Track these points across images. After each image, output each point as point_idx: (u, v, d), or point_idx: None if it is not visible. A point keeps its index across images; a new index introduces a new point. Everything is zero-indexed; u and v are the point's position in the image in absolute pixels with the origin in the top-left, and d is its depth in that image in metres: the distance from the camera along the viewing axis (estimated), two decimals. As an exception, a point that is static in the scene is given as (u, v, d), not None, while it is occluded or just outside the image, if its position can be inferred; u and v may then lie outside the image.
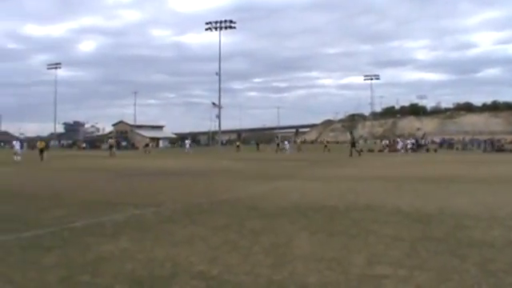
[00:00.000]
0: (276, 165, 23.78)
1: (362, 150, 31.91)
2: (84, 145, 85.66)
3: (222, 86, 76.14)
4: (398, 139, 53.45)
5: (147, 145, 61.15)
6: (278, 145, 53.35)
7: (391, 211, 8.11)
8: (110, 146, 42.62)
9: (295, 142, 58.20)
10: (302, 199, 9.77)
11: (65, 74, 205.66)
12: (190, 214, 7.99)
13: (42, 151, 33.31)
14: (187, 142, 58.69)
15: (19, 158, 30.42)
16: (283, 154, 42.09)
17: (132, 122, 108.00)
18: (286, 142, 53.09)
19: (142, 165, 24.78)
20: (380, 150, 45.11)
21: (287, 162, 26.07)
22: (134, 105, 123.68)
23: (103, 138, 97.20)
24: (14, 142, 34.23)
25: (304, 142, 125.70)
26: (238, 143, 64.30)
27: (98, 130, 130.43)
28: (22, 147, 35.49)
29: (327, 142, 57.29)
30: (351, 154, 31.60)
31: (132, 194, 10.81)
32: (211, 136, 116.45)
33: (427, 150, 46.00)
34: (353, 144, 33.80)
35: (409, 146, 44.75)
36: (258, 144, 61.63)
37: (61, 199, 9.92)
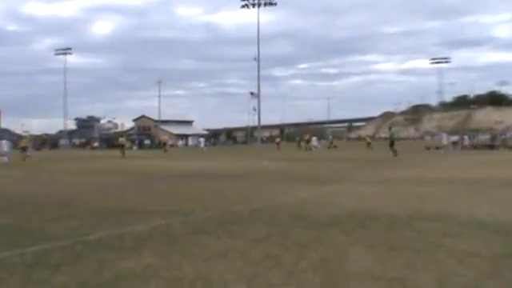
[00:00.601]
0: (323, 165, 23.65)
1: (395, 150, 31.99)
2: (96, 143, 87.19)
3: (261, 73, 76.71)
4: (444, 134, 52.05)
5: (164, 143, 59.29)
6: (304, 142, 52.98)
7: (465, 221, 7.90)
8: (121, 145, 43.67)
9: (367, 139, 57.86)
10: (357, 206, 9.67)
11: (76, 61, 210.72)
12: (224, 223, 8.01)
13: (24, 149, 34.04)
14: (201, 140, 59.53)
15: (5, 159, 31.22)
16: (311, 151, 42.10)
17: (156, 117, 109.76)
18: (313, 138, 53.73)
19: (166, 166, 25.13)
20: (437, 148, 44.01)
21: (336, 163, 25.89)
22: (159, 96, 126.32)
23: (122, 135, 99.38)
24: (3, 142, 34.46)
25: (359, 138, 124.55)
26: (277, 140, 64.07)
27: (116, 126, 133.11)
28: (10, 147, 35.82)
29: (370, 137, 57.02)
30: (395, 154, 31.65)
31: (156, 201, 10.95)
32: (249, 132, 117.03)
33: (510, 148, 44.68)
34: (391, 143, 33.70)
35: (466, 143, 43.71)
36: (299, 141, 59.03)
37: (71, 207, 10.11)
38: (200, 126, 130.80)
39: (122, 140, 47.18)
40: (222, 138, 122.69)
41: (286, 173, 19.19)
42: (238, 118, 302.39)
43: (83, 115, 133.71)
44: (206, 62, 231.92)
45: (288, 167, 22.81)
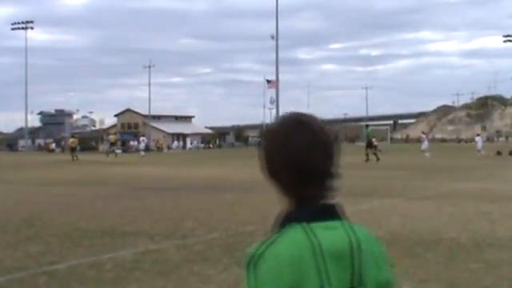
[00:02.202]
0: (361, 175, 23.52)
1: (375, 155, 34.98)
2: (53, 145, 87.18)
3: (281, 55, 76.67)
4: (479, 135, 51.91)
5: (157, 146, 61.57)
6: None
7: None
8: (72, 148, 45.38)
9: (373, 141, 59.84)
10: (405, 227, 9.62)
11: (41, 38, 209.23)
12: (232, 248, 8.01)
13: None
14: (189, 140, 60.70)
15: None
16: None
17: (145, 111, 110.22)
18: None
19: (159, 175, 25.18)
20: (497, 153, 43.49)
21: (378, 172, 25.76)
22: (149, 85, 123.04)
23: (101, 134, 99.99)
24: None
25: (407, 139, 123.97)
26: (374, 140, 63.99)
27: (93, 122, 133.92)
28: None
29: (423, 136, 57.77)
30: (367, 159, 34.81)
31: (145, 219, 10.96)
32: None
33: None
34: (368, 143, 36.29)
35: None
36: None
37: (34, 228, 10.11)
38: (202, 122, 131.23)
39: (72, 141, 48.76)
40: (230, 138, 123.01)
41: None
42: (251, 112, 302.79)
43: (50, 109, 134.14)
44: (210, 40, 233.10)
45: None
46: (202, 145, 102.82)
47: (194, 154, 61.50)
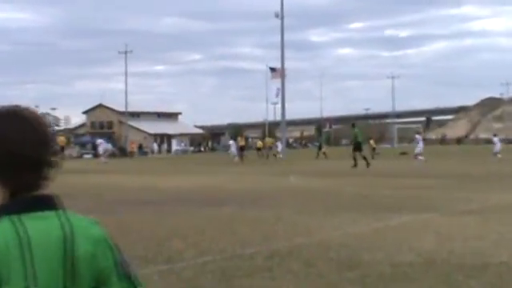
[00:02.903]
0: (388, 184, 23.53)
1: (365, 159, 36.32)
2: None
3: (288, 37, 76.51)
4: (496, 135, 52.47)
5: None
6: (319, 147, 60.19)
7: None
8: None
9: (371, 143, 61.80)
10: (442, 249, 9.62)
11: None
12: (228, 275, 8.02)
13: None
14: (175, 142, 61.49)
15: None
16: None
17: (121, 107, 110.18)
18: (277, 144, 63.90)
19: (139, 185, 25.20)
20: None
21: (408, 180, 25.78)
22: (125, 75, 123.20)
23: (67, 136, 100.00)
24: None
25: (443, 140, 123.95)
26: (320, 145, 64.26)
27: (57, 120, 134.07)
28: None
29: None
30: (355, 164, 36.60)
31: (121, 239, 10.93)
32: (268, 131, 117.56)
33: None
34: (356, 146, 38.20)
35: None
36: (319, 147, 62.17)
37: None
38: (191, 121, 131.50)
39: (61, 140, 49.38)
40: (226, 139, 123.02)
41: (328, 195, 19.22)
42: (251, 108, 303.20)
43: (1, 104, 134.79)
44: (201, 20, 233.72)
45: (330, 186, 22.75)
46: (191, 148, 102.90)
47: (182, 159, 61.50)
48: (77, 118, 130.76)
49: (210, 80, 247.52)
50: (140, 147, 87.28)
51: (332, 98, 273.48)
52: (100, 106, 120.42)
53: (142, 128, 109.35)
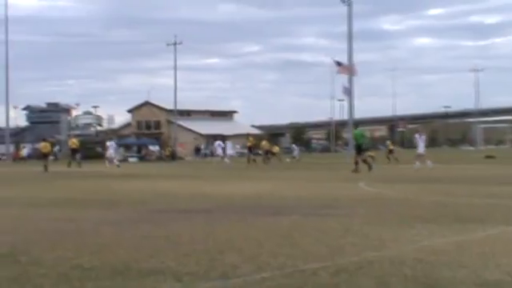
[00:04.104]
0: (471, 192, 23.30)
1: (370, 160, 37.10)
2: (25, 151, 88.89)
3: (357, 26, 76.17)
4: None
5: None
6: (389, 150, 63.62)
7: None
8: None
9: (388, 144, 63.34)
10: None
11: (26, 5, 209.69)
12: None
13: None
14: (230, 144, 63.00)
15: None
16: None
17: (170, 105, 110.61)
18: (293, 146, 67.88)
19: (188, 192, 25.34)
20: None
21: (496, 188, 25.47)
22: (174, 69, 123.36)
23: (110, 136, 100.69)
24: None
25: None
26: (389, 144, 64.42)
27: (99, 119, 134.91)
28: None
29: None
30: (356, 169, 38.20)
31: (170, 253, 10.97)
32: (334, 132, 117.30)
33: None
34: (358, 148, 40.08)
35: None
36: (390, 150, 63.65)
37: (21, 266, 10.19)
38: (247, 120, 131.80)
39: (72, 142, 52.42)
40: (286, 140, 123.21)
41: (402, 203, 19.16)
42: (315, 106, 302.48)
43: (40, 102, 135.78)
44: (259, 8, 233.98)
45: (404, 193, 22.67)
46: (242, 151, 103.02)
47: (237, 163, 61.63)
48: (121, 117, 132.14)
49: (270, 74, 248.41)
50: (198, 150, 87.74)
51: (407, 95, 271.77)
52: (146, 103, 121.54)
53: (192, 128, 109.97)
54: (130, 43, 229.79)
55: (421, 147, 43.35)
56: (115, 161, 56.74)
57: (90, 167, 56.47)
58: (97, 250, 11.48)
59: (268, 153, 68.02)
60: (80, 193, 25.46)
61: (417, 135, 46.10)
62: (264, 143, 69.29)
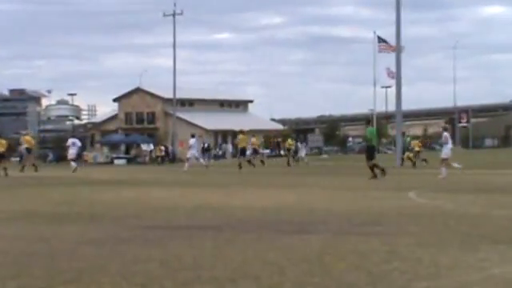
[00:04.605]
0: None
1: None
2: None
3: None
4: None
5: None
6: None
7: None
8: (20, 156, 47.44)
9: (418, 146, 64.70)
10: None
11: None
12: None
13: None
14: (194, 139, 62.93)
15: None
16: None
17: (167, 93, 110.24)
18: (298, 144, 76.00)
19: (190, 203, 25.34)
20: None
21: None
22: (173, 46, 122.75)
23: (91, 132, 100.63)
24: None
25: None
26: (416, 144, 65.04)
27: (77, 112, 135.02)
28: None
29: None
30: (373, 176, 39.77)
31: (170, 281, 11.00)
32: (377, 127, 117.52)
33: None
34: (369, 154, 41.60)
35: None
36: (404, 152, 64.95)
37: None
38: (267, 112, 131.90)
39: (27, 139, 55.90)
40: (316, 138, 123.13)
41: (465, 219, 19.07)
42: (353, 94, 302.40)
43: (2, 89, 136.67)
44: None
45: (468, 206, 22.60)
46: (267, 150, 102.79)
47: (251, 167, 61.69)
48: (105, 108, 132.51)
49: (295, 54, 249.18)
50: (206, 150, 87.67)
51: (471, 80, 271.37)
52: (138, 90, 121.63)
53: (196, 122, 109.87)
54: (118, 13, 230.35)
55: (447, 147, 43.60)
56: (73, 163, 56.49)
57: (65, 171, 56.59)
58: (74, 277, 11.52)
59: (289, 150, 69.59)
60: (52, 204, 25.48)
61: (446, 133, 46.19)
62: (289, 141, 70.44)
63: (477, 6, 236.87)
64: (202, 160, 64.43)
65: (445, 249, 13.94)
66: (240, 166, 57.49)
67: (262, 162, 69.42)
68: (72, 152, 59.14)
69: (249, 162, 62.66)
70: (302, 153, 75.23)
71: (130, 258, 13.22)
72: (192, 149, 62.25)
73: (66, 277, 11.37)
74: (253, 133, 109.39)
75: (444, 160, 42.35)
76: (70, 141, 62.91)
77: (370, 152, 41.26)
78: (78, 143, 62.11)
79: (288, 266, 12.20)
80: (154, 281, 10.96)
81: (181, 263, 12.54)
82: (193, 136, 63.42)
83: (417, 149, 64.71)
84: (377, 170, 39.91)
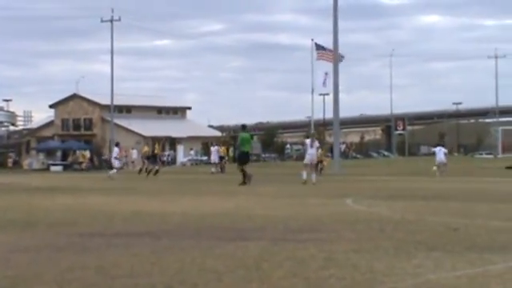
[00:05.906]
0: (490, 212, 23.46)
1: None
2: None
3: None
4: None
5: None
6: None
7: None
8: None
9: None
10: None
11: None
12: None
13: None
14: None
15: None
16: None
17: (105, 100, 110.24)
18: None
19: (127, 209, 25.24)
20: None
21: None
22: (111, 53, 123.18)
23: (26, 139, 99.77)
24: None
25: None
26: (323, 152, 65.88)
27: (11, 118, 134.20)
28: None
29: None
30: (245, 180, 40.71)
31: (104, 287, 10.94)
32: (314, 134, 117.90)
33: None
34: (245, 157, 43.18)
35: None
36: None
37: None
38: (204, 119, 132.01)
39: None
40: (254, 145, 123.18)
41: (401, 226, 19.11)
42: (291, 101, 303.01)
43: None
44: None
45: (404, 213, 22.70)
46: (205, 157, 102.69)
47: (190, 174, 61.63)
48: (41, 114, 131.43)
49: (235, 61, 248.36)
50: (152, 157, 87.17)
51: (408, 88, 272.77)
52: (75, 96, 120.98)
53: (133, 129, 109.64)
54: (54, 18, 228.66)
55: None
56: None
57: None
58: (7, 285, 11.40)
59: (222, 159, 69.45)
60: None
61: (307, 140, 47.50)
62: (223, 149, 70.50)
63: (416, 15, 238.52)
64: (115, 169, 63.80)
65: (381, 255, 14.00)
66: (148, 172, 57.84)
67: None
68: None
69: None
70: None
71: (66, 266, 13.13)
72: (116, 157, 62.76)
73: None
74: (191, 139, 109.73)
75: (306, 165, 43.02)
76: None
77: (241, 158, 42.00)
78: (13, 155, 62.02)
79: (225, 272, 12.19)
80: (89, 288, 10.90)
81: (118, 270, 12.48)
82: (117, 145, 63.19)
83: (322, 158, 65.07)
84: (245, 177, 40.51)
